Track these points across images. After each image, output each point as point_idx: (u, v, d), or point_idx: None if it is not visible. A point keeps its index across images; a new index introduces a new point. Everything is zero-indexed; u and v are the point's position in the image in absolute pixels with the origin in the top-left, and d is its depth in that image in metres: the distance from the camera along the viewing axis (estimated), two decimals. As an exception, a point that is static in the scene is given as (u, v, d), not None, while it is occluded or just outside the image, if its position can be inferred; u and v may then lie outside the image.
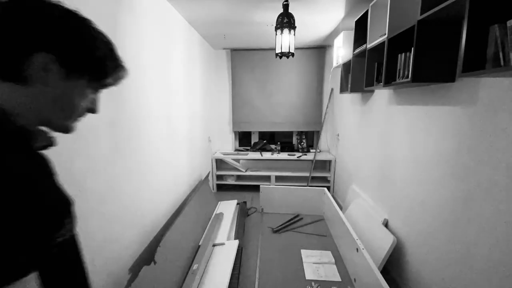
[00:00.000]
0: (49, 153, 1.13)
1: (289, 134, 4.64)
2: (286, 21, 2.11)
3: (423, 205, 1.76)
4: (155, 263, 1.68)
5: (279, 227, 2.83)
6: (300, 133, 4.48)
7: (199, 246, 2.32)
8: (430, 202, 1.69)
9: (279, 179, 4.22)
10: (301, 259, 2.30)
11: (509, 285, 1.15)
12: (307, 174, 4.09)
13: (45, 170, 0.57)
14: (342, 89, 3.11)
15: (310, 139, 4.59)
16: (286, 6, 2.11)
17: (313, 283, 1.97)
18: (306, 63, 4.17)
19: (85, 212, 1.32)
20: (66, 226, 0.54)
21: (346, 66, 2.93)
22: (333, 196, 3.91)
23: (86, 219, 1.32)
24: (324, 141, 4.34)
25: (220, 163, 4.41)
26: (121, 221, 1.63)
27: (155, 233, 2.08)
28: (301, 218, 3.08)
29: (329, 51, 4.04)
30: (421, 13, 1.37)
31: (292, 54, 2.21)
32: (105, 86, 0.63)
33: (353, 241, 2.00)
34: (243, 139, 4.73)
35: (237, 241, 2.32)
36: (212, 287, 1.81)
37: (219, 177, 4.31)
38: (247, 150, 4.50)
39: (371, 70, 2.13)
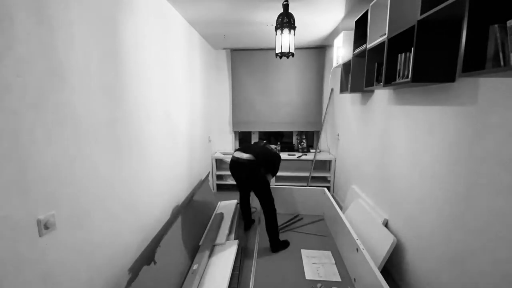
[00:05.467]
0: (50, 152, 1.14)
1: (289, 134, 4.64)
2: (286, 21, 2.11)
3: (423, 205, 1.76)
4: (155, 263, 1.68)
5: (279, 227, 2.83)
6: (300, 133, 4.47)
7: (199, 246, 2.32)
8: (430, 202, 1.69)
9: (279, 179, 4.22)
10: (301, 259, 2.31)
11: (509, 284, 1.15)
12: (307, 174, 4.09)
13: None
14: (342, 89, 3.11)
15: (310, 139, 4.59)
16: (286, 6, 2.11)
17: (318, 284, 1.97)
18: (306, 63, 4.17)
19: (85, 212, 1.32)
20: None
21: (346, 66, 2.93)
22: (333, 196, 3.91)
23: (86, 219, 1.32)
24: (324, 141, 4.34)
25: (220, 163, 4.41)
26: (121, 221, 1.63)
27: (155, 233, 2.08)
28: (301, 218, 3.08)
29: (329, 51, 4.04)
30: (421, 13, 1.37)
31: (292, 54, 2.21)
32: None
33: (353, 241, 2.00)
34: (243, 139, 4.73)
35: (237, 241, 2.32)
36: (212, 287, 1.81)
37: (219, 177, 4.31)
38: (247, 150, 4.49)
39: (371, 70, 2.13)
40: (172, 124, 2.47)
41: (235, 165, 2.51)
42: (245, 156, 2.45)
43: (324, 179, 4.25)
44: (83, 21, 1.29)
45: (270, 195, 2.44)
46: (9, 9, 0.94)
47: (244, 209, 2.83)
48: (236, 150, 2.61)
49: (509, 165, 1.15)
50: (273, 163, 2.70)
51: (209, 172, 3.83)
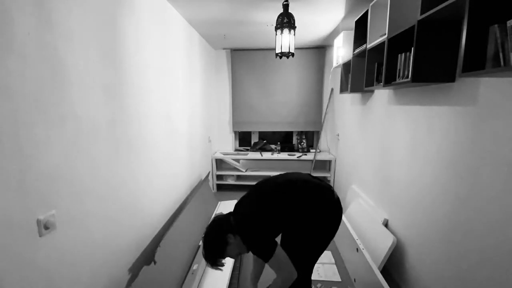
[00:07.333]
0: (50, 152, 1.14)
1: (289, 134, 4.64)
2: (286, 21, 2.11)
3: (423, 205, 1.76)
4: (155, 263, 1.68)
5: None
6: (300, 133, 4.47)
7: (199, 246, 2.32)
8: (430, 202, 1.69)
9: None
10: (301, 259, 2.31)
11: (509, 285, 1.15)
12: (307, 174, 4.09)
13: None
14: (342, 89, 3.11)
15: (310, 139, 4.59)
16: (286, 6, 2.11)
17: (319, 284, 1.97)
18: (306, 63, 4.17)
19: (85, 212, 1.32)
20: None
21: (346, 66, 2.93)
22: (333, 196, 3.90)
23: (86, 219, 1.32)
24: (324, 141, 4.34)
25: (220, 163, 4.41)
26: (121, 221, 1.63)
27: (155, 233, 2.08)
28: (301, 218, 3.08)
29: (329, 51, 4.04)
30: (421, 13, 1.37)
31: (292, 54, 2.21)
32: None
33: (353, 241, 2.00)
34: (243, 139, 4.73)
35: (237, 241, 2.32)
36: (212, 287, 1.81)
37: (219, 177, 4.31)
38: (247, 150, 4.49)
39: (371, 70, 2.13)
40: (172, 124, 2.46)
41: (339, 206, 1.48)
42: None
43: (324, 179, 4.24)
44: (83, 21, 1.29)
45: None
46: (9, 9, 0.94)
47: None
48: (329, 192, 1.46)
49: (509, 165, 1.15)
50: None
51: (209, 172, 3.83)
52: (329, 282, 2.01)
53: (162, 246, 1.84)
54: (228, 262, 2.04)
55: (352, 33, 2.57)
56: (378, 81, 2.05)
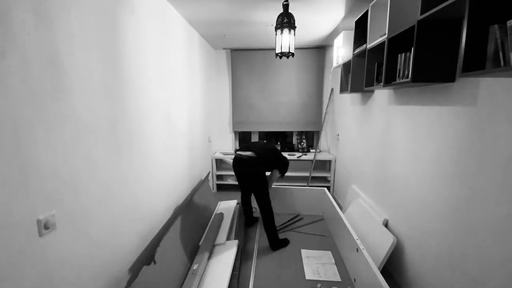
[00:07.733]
0: (50, 152, 1.14)
1: (289, 134, 4.64)
2: (286, 21, 2.11)
3: (423, 205, 1.76)
4: (155, 263, 1.68)
5: (279, 227, 2.83)
6: (300, 133, 4.48)
7: (199, 246, 2.32)
8: (430, 202, 1.69)
9: (279, 179, 4.22)
10: (301, 259, 2.31)
11: (509, 286, 1.15)
12: (307, 174, 4.09)
13: None
14: (342, 89, 3.11)
15: (310, 139, 4.59)
16: (286, 6, 2.11)
17: (319, 285, 1.97)
18: (306, 63, 4.17)
19: (85, 212, 1.32)
20: None
21: (346, 66, 2.93)
22: (333, 196, 3.91)
23: (86, 219, 1.32)
24: (324, 141, 4.34)
25: (220, 163, 4.41)
26: (121, 221, 1.63)
27: (155, 233, 2.08)
28: (301, 218, 3.08)
29: (329, 51, 4.04)
30: (421, 13, 1.37)
31: (292, 54, 2.21)
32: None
33: (353, 241, 2.00)
34: (243, 139, 4.73)
35: (237, 241, 2.32)
36: (212, 287, 1.81)
37: (219, 177, 4.31)
38: (247, 150, 4.49)
39: (371, 70, 2.13)
40: (172, 124, 2.47)
41: (237, 162, 2.58)
42: (248, 153, 2.51)
43: (324, 179, 4.25)
44: (83, 21, 1.29)
45: (267, 194, 2.47)
46: (9, 9, 0.94)
47: (245, 207, 2.91)
48: (237, 150, 2.69)
49: (508, 165, 1.15)
50: (278, 161, 2.75)
51: (209, 172, 3.83)
52: (329, 282, 2.01)
53: (162, 246, 1.83)
54: (228, 262, 2.04)
55: (352, 33, 2.58)
56: (378, 81, 2.05)
